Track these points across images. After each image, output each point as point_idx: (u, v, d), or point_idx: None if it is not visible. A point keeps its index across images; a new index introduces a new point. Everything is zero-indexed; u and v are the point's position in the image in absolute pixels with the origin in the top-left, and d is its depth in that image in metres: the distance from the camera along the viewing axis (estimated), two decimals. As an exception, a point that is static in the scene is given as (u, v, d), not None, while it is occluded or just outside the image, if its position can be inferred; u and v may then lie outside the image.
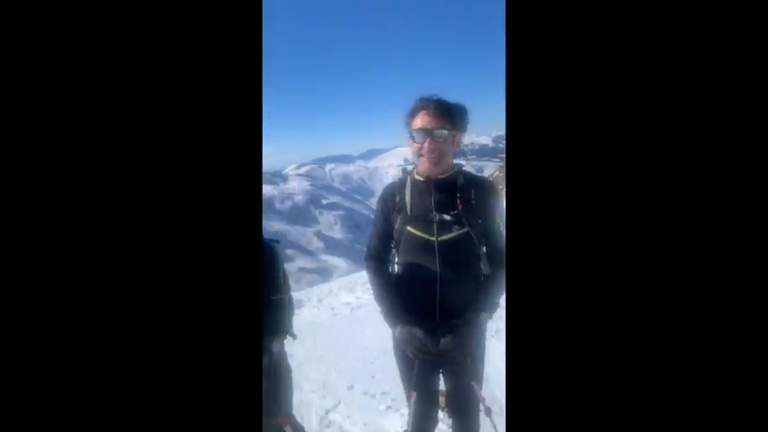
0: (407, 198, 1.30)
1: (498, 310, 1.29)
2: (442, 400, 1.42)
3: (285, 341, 1.46)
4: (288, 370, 1.50)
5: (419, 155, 1.26)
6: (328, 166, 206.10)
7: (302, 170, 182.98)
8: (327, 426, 2.36)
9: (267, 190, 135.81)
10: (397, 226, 1.32)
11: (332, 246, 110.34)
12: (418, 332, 1.23)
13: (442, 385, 1.41)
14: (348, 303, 5.15)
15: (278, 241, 1.46)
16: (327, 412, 2.50)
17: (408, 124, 1.27)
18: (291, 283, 1.51)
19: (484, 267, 1.30)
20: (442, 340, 1.23)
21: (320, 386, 2.83)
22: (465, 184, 1.29)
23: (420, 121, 1.23)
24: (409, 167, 1.39)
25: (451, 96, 1.25)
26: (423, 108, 1.24)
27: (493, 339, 2.32)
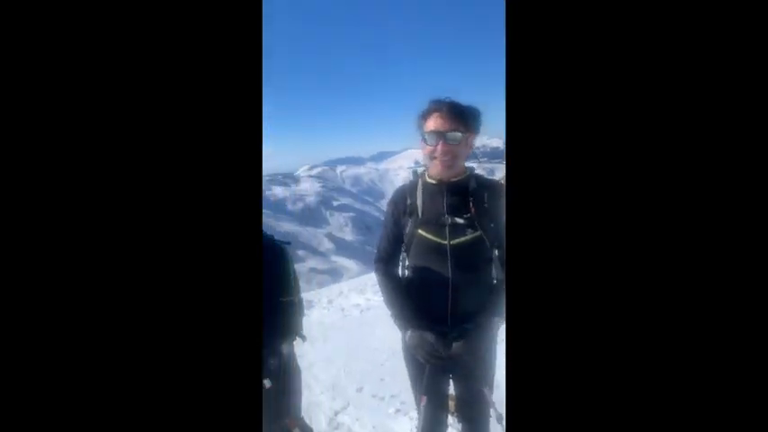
0: (419, 201, 1.29)
1: (510, 315, 1.27)
2: (451, 404, 1.40)
3: (295, 342, 1.46)
4: (297, 371, 1.49)
5: (432, 158, 1.24)
6: (339, 168, 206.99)
7: (314, 172, 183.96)
8: (336, 428, 2.36)
9: (279, 191, 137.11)
10: (407, 229, 1.31)
11: (342, 247, 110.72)
12: (429, 336, 1.21)
13: (451, 390, 1.39)
14: (358, 305, 5.16)
15: (289, 243, 1.46)
16: (336, 414, 2.50)
17: (420, 126, 1.26)
18: (302, 283, 1.50)
19: (495, 271, 1.28)
20: (454, 345, 1.22)
21: (329, 387, 2.83)
22: (477, 188, 1.27)
23: (433, 123, 1.22)
24: (420, 170, 1.38)
25: (461, 97, 1.23)
26: (435, 110, 1.23)
27: (504, 344, 2.30)
